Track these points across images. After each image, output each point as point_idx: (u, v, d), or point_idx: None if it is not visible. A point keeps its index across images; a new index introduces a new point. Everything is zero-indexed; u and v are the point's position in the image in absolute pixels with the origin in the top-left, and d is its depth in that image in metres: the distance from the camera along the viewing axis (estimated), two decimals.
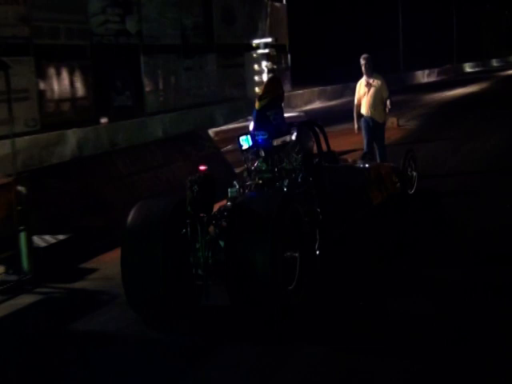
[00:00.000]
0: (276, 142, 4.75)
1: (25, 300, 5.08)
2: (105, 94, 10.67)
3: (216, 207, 4.39)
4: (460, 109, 17.11)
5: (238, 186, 4.76)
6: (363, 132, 7.90)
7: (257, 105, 4.87)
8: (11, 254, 5.60)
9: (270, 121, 4.76)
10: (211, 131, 10.95)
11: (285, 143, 4.85)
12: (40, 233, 6.29)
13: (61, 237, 6.37)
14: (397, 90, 19.44)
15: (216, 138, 10.29)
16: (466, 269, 4.84)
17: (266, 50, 12.32)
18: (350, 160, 6.56)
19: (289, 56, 15.64)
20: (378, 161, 7.70)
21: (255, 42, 12.54)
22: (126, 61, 11.11)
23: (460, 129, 12.66)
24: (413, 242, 5.52)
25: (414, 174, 6.68)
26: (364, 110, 7.76)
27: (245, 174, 4.98)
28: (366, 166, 6.25)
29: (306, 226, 4.35)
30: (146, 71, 11.27)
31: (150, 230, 3.91)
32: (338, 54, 23.49)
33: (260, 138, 4.72)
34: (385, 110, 7.72)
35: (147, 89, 11.24)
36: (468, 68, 32.68)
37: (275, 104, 4.93)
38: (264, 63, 12.19)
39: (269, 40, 12.58)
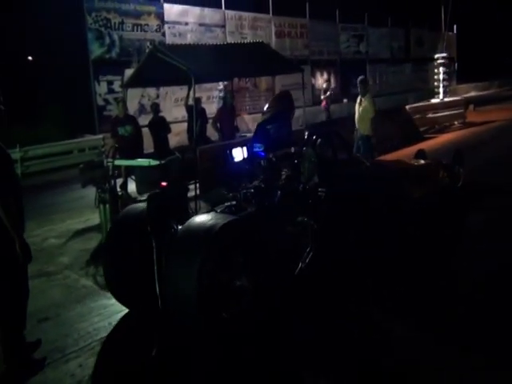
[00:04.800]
0: (273, 155, 4.56)
1: None
2: (346, 85, 18.24)
3: None
4: None
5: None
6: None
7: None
8: None
9: (269, 134, 4.59)
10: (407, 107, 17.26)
11: (288, 154, 4.65)
12: None
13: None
14: None
15: (409, 110, 16.44)
16: None
17: (442, 61, 18.10)
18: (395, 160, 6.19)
19: (456, 64, 23.67)
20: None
21: (436, 56, 18.64)
22: (358, 67, 18.66)
23: None
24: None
25: (461, 170, 6.66)
26: (356, 123, 7.95)
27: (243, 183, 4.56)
28: (407, 164, 6.20)
29: (264, 254, 3.73)
30: (369, 73, 19.25)
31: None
32: (490, 65, 29.10)
33: (256, 150, 4.55)
34: (371, 124, 7.63)
35: (369, 83, 19.01)
36: None
37: (279, 118, 4.76)
38: (441, 68, 17.96)
39: (444, 55, 18.47)
